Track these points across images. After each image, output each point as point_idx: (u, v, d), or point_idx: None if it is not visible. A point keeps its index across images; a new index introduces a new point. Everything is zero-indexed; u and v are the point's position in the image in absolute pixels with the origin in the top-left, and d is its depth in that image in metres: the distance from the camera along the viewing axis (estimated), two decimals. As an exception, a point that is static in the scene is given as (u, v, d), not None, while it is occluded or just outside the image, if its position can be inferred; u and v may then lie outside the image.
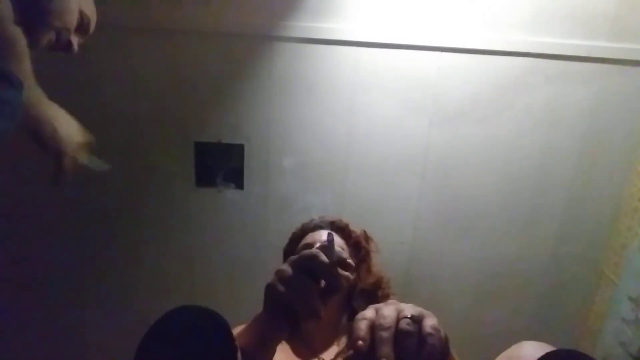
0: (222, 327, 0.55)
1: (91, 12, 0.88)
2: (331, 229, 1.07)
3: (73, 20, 0.81)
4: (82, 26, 0.85)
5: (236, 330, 0.63)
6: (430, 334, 0.47)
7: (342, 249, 1.02)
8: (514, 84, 1.35)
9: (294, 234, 1.13)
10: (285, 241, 1.18)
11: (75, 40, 0.85)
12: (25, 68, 0.71)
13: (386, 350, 0.46)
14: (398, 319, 0.48)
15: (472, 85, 1.35)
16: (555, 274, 1.51)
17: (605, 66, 1.33)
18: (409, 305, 0.51)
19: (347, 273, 0.94)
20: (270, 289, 0.60)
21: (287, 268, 0.60)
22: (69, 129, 0.84)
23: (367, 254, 1.09)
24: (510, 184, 1.44)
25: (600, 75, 1.34)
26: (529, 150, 1.41)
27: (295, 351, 0.96)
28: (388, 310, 0.49)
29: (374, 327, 0.48)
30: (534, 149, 1.41)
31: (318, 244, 0.98)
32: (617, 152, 1.40)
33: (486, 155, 1.41)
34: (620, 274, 1.40)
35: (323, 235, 1.04)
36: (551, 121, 1.38)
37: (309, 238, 1.05)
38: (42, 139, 0.79)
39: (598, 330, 1.47)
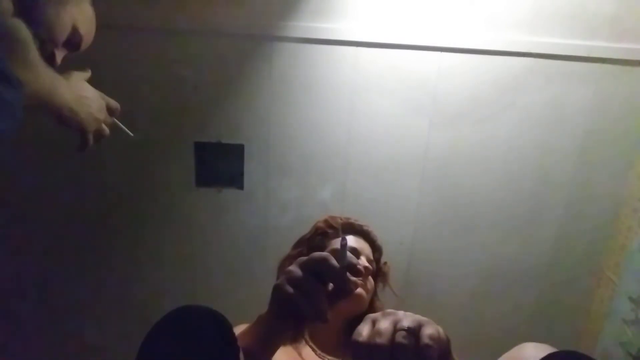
0: (224, 327, 0.55)
1: (87, 31, 0.87)
2: (366, 240, 1.06)
3: (62, 34, 0.80)
4: (71, 42, 0.84)
5: (237, 330, 0.63)
6: (427, 345, 0.46)
7: (371, 261, 1.01)
8: (514, 84, 1.35)
9: (325, 231, 1.07)
10: (284, 241, 1.18)
11: (60, 54, 0.83)
12: (30, 58, 0.71)
13: None
14: (395, 331, 0.48)
15: (472, 85, 1.35)
16: (555, 274, 1.51)
17: (605, 66, 1.33)
18: (407, 314, 0.50)
19: (355, 278, 0.94)
20: (278, 289, 0.60)
21: (296, 269, 0.60)
22: (90, 106, 0.85)
23: (386, 279, 1.09)
24: (510, 183, 1.44)
25: (600, 75, 1.34)
26: (529, 150, 1.41)
27: (302, 357, 0.95)
28: (385, 324, 0.49)
29: (369, 347, 0.47)
30: (534, 149, 1.41)
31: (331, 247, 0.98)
32: (617, 152, 1.40)
33: (486, 155, 1.41)
34: (620, 274, 1.40)
35: (356, 241, 1.03)
36: (551, 121, 1.38)
37: (353, 241, 1.02)
38: (64, 122, 0.81)
39: (598, 330, 1.47)
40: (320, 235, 1.07)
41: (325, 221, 1.09)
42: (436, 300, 1.53)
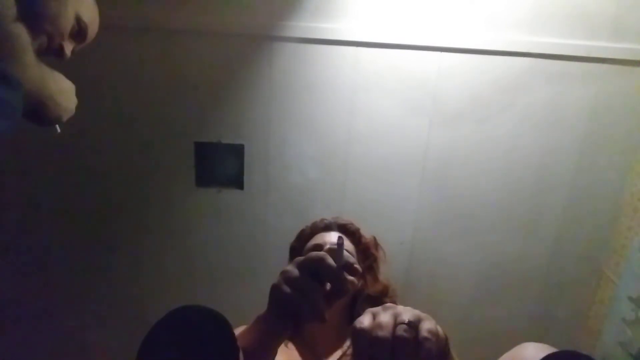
0: (224, 327, 0.55)
1: (91, 19, 0.87)
2: (342, 232, 1.07)
3: (67, 26, 0.80)
4: (78, 33, 0.84)
5: (237, 331, 0.62)
6: (426, 339, 0.47)
7: (351, 253, 1.02)
8: (514, 84, 1.35)
9: (302, 231, 1.13)
10: (284, 241, 1.19)
11: (68, 46, 0.84)
12: (26, 63, 0.71)
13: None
14: (395, 325, 0.48)
15: (472, 85, 1.35)
16: (555, 274, 1.51)
17: (605, 66, 1.33)
18: (407, 309, 0.51)
19: (352, 278, 0.94)
20: (275, 289, 0.60)
21: (293, 269, 0.59)
22: (70, 100, 0.85)
23: (375, 260, 1.09)
24: (510, 183, 1.44)
25: (600, 75, 1.34)
26: (529, 150, 1.41)
27: (299, 355, 0.95)
28: (385, 317, 0.49)
29: (371, 338, 0.48)
30: (534, 149, 1.41)
31: (328, 246, 0.98)
32: (617, 152, 1.40)
33: (486, 155, 1.41)
34: (620, 274, 1.40)
35: (333, 237, 1.04)
36: (551, 121, 1.38)
37: (318, 238, 1.04)
38: (45, 118, 0.80)
39: (598, 330, 1.48)
40: (293, 253, 1.11)
41: (296, 240, 1.13)
42: (436, 300, 1.53)
